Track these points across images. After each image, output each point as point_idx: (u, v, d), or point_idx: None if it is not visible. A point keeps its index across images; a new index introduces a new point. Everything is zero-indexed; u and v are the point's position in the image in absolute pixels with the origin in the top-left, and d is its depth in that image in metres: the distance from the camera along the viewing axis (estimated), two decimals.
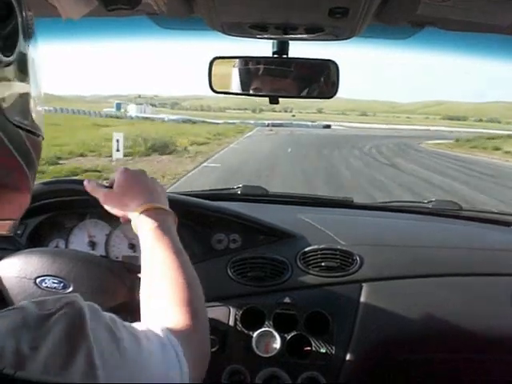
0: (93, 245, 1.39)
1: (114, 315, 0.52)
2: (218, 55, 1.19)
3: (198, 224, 1.43)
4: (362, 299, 1.31)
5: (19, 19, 0.46)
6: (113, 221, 1.26)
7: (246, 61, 1.19)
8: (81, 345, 0.44)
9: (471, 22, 0.86)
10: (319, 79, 1.15)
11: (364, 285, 1.33)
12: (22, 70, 0.47)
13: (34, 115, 0.50)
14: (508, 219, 1.71)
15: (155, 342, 0.54)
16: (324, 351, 1.25)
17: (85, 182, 0.94)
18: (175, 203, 1.43)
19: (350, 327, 1.27)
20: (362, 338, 1.26)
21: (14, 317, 0.45)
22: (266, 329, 1.28)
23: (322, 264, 1.37)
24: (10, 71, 0.45)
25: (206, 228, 1.44)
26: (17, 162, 0.47)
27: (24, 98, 0.48)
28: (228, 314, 1.30)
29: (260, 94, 1.20)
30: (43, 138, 0.52)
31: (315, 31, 0.99)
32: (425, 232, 1.59)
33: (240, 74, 1.20)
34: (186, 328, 0.63)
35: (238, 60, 1.20)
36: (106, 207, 0.89)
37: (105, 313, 0.52)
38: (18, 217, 0.52)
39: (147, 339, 0.54)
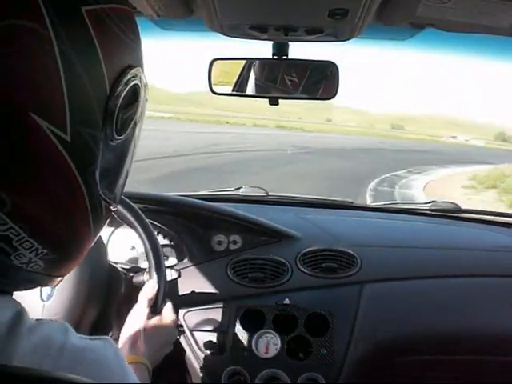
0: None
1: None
2: (218, 57, 1.19)
3: (198, 225, 1.43)
4: (362, 300, 1.31)
5: (140, 104, 0.49)
6: (113, 222, 1.26)
7: (245, 62, 1.19)
8: (118, 370, 0.48)
9: (471, 23, 0.86)
10: (319, 80, 1.15)
11: (364, 286, 1.33)
12: (125, 148, 0.50)
13: (119, 188, 0.52)
14: (507, 220, 1.71)
15: None
16: (324, 352, 1.25)
17: (151, 283, 1.02)
18: (176, 205, 1.44)
19: (350, 328, 1.27)
20: (361, 339, 1.26)
21: (55, 323, 0.47)
22: (266, 330, 1.28)
23: (322, 265, 1.36)
24: (116, 149, 0.47)
25: (206, 229, 1.44)
26: (89, 230, 0.48)
27: (118, 174, 0.51)
28: (228, 315, 1.30)
29: (259, 95, 1.20)
30: (116, 207, 0.54)
31: (315, 32, 0.99)
32: (424, 233, 1.59)
33: (239, 76, 1.20)
34: None
35: (237, 61, 1.20)
36: (130, 314, 0.97)
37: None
38: (66, 275, 0.53)
39: None
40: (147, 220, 1.07)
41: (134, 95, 0.48)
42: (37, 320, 0.45)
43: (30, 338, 0.42)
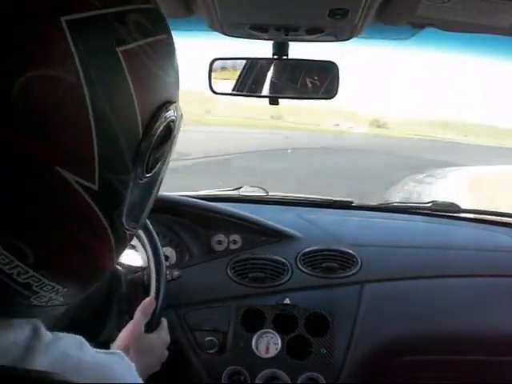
0: None
1: None
2: (218, 56, 1.19)
3: (198, 225, 1.43)
4: (363, 300, 1.31)
5: (173, 139, 0.46)
6: None
7: (245, 62, 1.19)
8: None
9: (471, 22, 0.86)
10: (319, 80, 1.15)
11: (364, 286, 1.33)
12: (154, 182, 0.47)
13: (144, 217, 0.49)
14: (507, 220, 1.71)
15: None
16: (324, 352, 1.25)
17: (149, 300, 1.01)
18: (176, 204, 1.44)
19: (350, 328, 1.27)
20: (362, 339, 1.26)
21: (71, 337, 0.46)
22: (266, 330, 1.28)
23: (323, 265, 1.37)
24: (145, 185, 0.44)
25: (205, 229, 1.44)
26: (112, 261, 0.46)
27: (144, 207, 0.48)
28: (228, 315, 1.30)
29: (260, 95, 1.20)
30: (137, 231, 0.52)
31: (315, 32, 0.99)
32: (425, 233, 1.59)
33: (240, 75, 1.20)
34: None
35: (237, 61, 1.21)
36: (124, 330, 0.96)
37: None
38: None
39: None
40: (148, 221, 1.07)
41: (168, 132, 0.44)
42: (53, 334, 0.44)
43: (46, 354, 0.41)
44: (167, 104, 0.43)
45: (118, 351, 0.50)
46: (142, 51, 0.39)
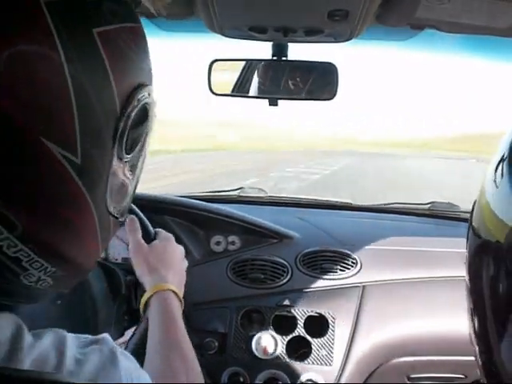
0: None
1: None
2: (217, 58, 1.19)
3: (196, 226, 1.43)
4: (362, 301, 1.31)
5: (149, 122, 0.49)
6: None
7: (245, 63, 1.19)
8: (113, 377, 0.46)
9: (470, 24, 0.86)
10: (319, 81, 1.15)
11: (364, 287, 1.33)
12: (135, 164, 0.50)
13: (126, 204, 0.52)
14: None
15: None
16: (324, 353, 1.25)
17: (128, 219, 0.94)
18: (175, 205, 1.44)
19: (349, 329, 1.27)
20: (361, 339, 1.26)
21: (53, 335, 0.46)
22: (266, 331, 1.28)
23: (322, 266, 1.37)
24: (125, 166, 0.47)
25: (204, 230, 1.44)
26: (97, 246, 0.48)
27: (125, 190, 0.50)
28: (227, 316, 1.30)
29: (259, 96, 1.20)
30: (123, 220, 0.54)
31: (314, 33, 0.99)
32: (424, 234, 1.59)
33: (239, 77, 1.20)
34: None
35: (237, 62, 1.21)
36: (131, 256, 0.91)
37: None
38: (71, 288, 0.53)
39: None
40: (144, 217, 1.06)
41: (144, 114, 0.48)
42: (35, 333, 0.45)
43: (29, 355, 0.42)
44: (142, 86, 0.46)
45: (102, 337, 0.50)
46: (116, 34, 0.42)
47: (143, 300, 0.83)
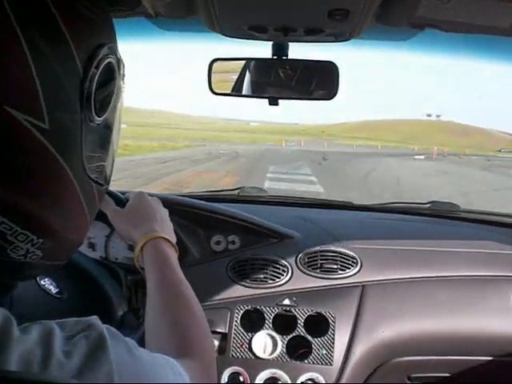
0: (92, 246, 1.38)
1: (130, 339, 0.51)
2: (218, 57, 1.19)
3: (196, 225, 1.43)
4: (362, 301, 1.31)
5: (116, 81, 0.49)
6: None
7: (245, 62, 1.19)
8: (103, 364, 0.44)
9: (471, 23, 0.86)
10: (319, 81, 1.15)
11: (364, 286, 1.33)
12: (108, 127, 0.49)
13: (107, 169, 0.52)
14: (506, 221, 1.71)
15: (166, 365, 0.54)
16: (324, 353, 1.25)
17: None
18: (174, 204, 1.44)
19: (350, 329, 1.27)
20: (362, 339, 1.26)
21: (40, 328, 0.45)
22: (266, 330, 1.28)
23: (322, 266, 1.37)
24: (99, 129, 0.47)
25: (204, 229, 1.44)
26: (84, 214, 0.48)
27: (104, 154, 0.50)
28: (228, 316, 1.30)
29: (259, 95, 1.20)
30: (107, 188, 0.54)
31: (315, 33, 0.99)
32: (424, 233, 1.59)
33: (239, 76, 1.20)
34: (192, 364, 0.60)
35: (237, 62, 1.20)
36: (114, 225, 0.90)
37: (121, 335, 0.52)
38: (67, 259, 0.52)
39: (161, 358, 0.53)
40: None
41: (110, 73, 0.47)
42: (22, 327, 0.44)
43: (16, 348, 0.41)
44: (103, 45, 0.46)
45: (92, 320, 0.48)
46: None
47: (135, 254, 0.81)
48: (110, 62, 0.47)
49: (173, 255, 0.79)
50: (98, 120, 0.46)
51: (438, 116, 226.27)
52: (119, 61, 0.50)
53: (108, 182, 0.53)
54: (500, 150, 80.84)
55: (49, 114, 0.40)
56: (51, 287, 0.97)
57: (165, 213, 0.91)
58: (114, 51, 0.48)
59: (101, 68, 0.45)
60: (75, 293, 0.96)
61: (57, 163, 0.42)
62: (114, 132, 0.52)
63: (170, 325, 0.66)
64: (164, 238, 0.80)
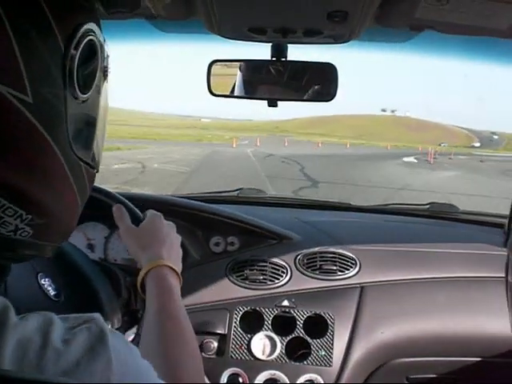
0: (91, 247, 1.38)
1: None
2: (217, 58, 1.19)
3: (195, 226, 1.43)
4: (361, 302, 1.31)
5: (99, 60, 0.50)
6: (111, 223, 1.26)
7: (244, 64, 1.19)
8: (102, 355, 0.45)
9: (470, 25, 0.86)
10: (318, 82, 1.15)
11: (363, 288, 1.33)
12: (94, 107, 0.51)
13: (95, 150, 0.52)
14: (505, 222, 1.71)
15: None
16: (323, 354, 1.25)
17: (114, 207, 0.94)
18: (173, 205, 1.44)
19: (349, 330, 1.27)
20: (361, 340, 1.26)
21: (40, 317, 0.45)
22: (265, 331, 1.28)
23: (321, 267, 1.37)
24: (84, 108, 0.48)
25: (203, 231, 1.44)
26: (74, 193, 0.49)
27: (91, 134, 0.51)
28: (227, 317, 1.30)
29: (258, 97, 1.20)
30: (98, 171, 0.54)
31: (314, 34, 0.99)
32: (423, 235, 1.59)
33: (238, 78, 1.20)
34: None
35: (236, 63, 1.21)
36: (124, 241, 0.91)
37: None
38: (61, 243, 0.53)
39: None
40: (129, 202, 1.04)
41: (91, 50, 0.48)
42: (21, 317, 0.44)
43: (13, 334, 0.41)
44: (83, 24, 0.47)
45: (93, 317, 0.48)
46: None
47: (139, 278, 0.82)
48: (91, 40, 0.48)
49: (175, 285, 0.81)
50: (83, 97, 0.47)
51: (392, 111, 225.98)
52: (101, 41, 0.51)
53: (97, 165, 0.54)
54: (440, 145, 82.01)
55: (32, 88, 0.41)
56: (50, 288, 0.97)
57: (176, 239, 0.92)
58: (95, 31, 0.49)
59: (82, 46, 0.46)
60: (71, 298, 0.96)
61: (41, 136, 0.43)
62: (101, 112, 0.52)
63: (163, 356, 0.67)
64: (168, 267, 0.82)
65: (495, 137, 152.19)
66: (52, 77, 0.43)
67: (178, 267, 0.85)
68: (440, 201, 1.83)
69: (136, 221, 0.93)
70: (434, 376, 1.33)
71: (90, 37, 0.48)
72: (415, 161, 26.31)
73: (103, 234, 1.39)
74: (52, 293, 0.96)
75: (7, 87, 0.39)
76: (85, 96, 0.47)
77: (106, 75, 0.53)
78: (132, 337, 0.93)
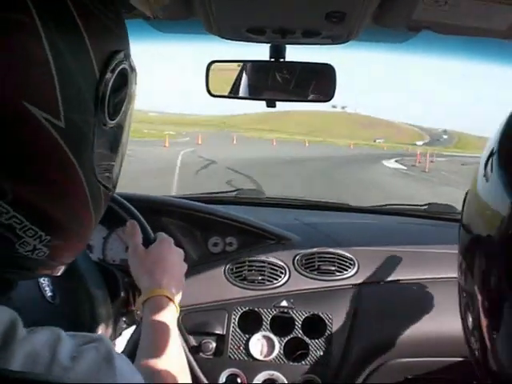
0: (90, 248, 1.38)
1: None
2: (215, 59, 1.19)
3: (194, 227, 1.43)
4: (360, 302, 1.31)
5: (130, 87, 0.51)
6: (110, 224, 1.26)
7: (242, 64, 1.19)
8: (108, 375, 0.46)
9: (468, 26, 0.87)
10: (316, 83, 1.15)
11: (361, 288, 1.34)
12: (120, 132, 0.51)
13: (114, 174, 0.53)
14: None
15: None
16: (321, 354, 1.25)
17: (129, 223, 0.96)
18: (172, 206, 1.44)
19: (347, 330, 1.27)
20: (359, 341, 1.26)
21: (48, 332, 0.46)
22: (264, 332, 1.28)
23: (320, 267, 1.37)
24: (110, 134, 0.49)
25: (202, 231, 1.44)
26: (90, 215, 0.49)
27: (114, 157, 0.52)
28: (225, 317, 1.30)
29: (257, 97, 1.20)
30: (114, 192, 0.55)
31: (312, 35, 0.99)
32: (421, 235, 1.60)
33: (237, 78, 1.20)
34: None
35: (235, 64, 1.21)
36: (128, 260, 0.92)
37: None
38: (71, 261, 0.53)
39: None
40: (145, 221, 1.06)
41: (123, 79, 0.49)
42: (29, 329, 0.45)
43: (21, 348, 0.42)
44: (119, 51, 0.47)
45: (99, 336, 0.50)
46: (88, 1, 0.43)
47: (138, 305, 0.84)
48: (124, 68, 0.48)
49: (170, 316, 0.81)
50: (111, 123, 0.47)
51: (343, 107, 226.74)
52: (133, 68, 0.52)
53: (114, 187, 0.54)
54: (375, 141, 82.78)
55: (65, 113, 0.41)
56: (47, 289, 0.97)
57: (182, 268, 0.92)
58: (128, 58, 0.50)
59: (116, 73, 0.46)
60: (65, 301, 0.96)
61: (69, 162, 0.43)
62: (124, 136, 0.53)
63: None
64: (167, 297, 0.82)
65: (445, 136, 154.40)
66: (85, 103, 0.44)
67: (177, 296, 0.86)
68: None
69: (147, 241, 0.94)
70: (432, 377, 1.33)
71: (124, 65, 0.48)
72: (395, 163, 23.24)
73: (101, 235, 1.38)
74: (48, 294, 0.96)
75: (42, 111, 0.39)
76: (113, 123, 0.48)
77: (132, 102, 0.53)
78: (129, 337, 0.93)
